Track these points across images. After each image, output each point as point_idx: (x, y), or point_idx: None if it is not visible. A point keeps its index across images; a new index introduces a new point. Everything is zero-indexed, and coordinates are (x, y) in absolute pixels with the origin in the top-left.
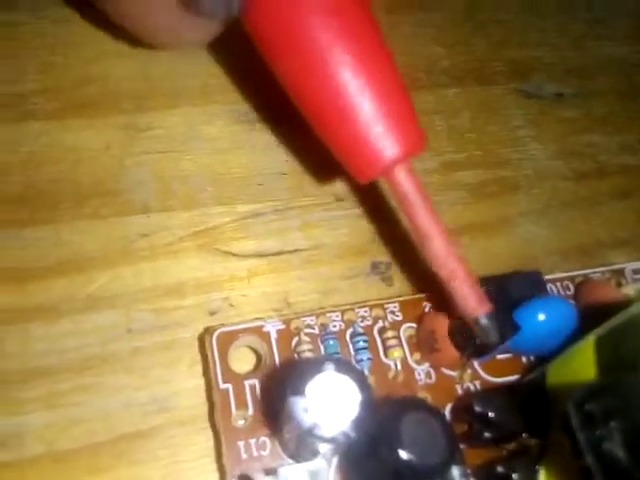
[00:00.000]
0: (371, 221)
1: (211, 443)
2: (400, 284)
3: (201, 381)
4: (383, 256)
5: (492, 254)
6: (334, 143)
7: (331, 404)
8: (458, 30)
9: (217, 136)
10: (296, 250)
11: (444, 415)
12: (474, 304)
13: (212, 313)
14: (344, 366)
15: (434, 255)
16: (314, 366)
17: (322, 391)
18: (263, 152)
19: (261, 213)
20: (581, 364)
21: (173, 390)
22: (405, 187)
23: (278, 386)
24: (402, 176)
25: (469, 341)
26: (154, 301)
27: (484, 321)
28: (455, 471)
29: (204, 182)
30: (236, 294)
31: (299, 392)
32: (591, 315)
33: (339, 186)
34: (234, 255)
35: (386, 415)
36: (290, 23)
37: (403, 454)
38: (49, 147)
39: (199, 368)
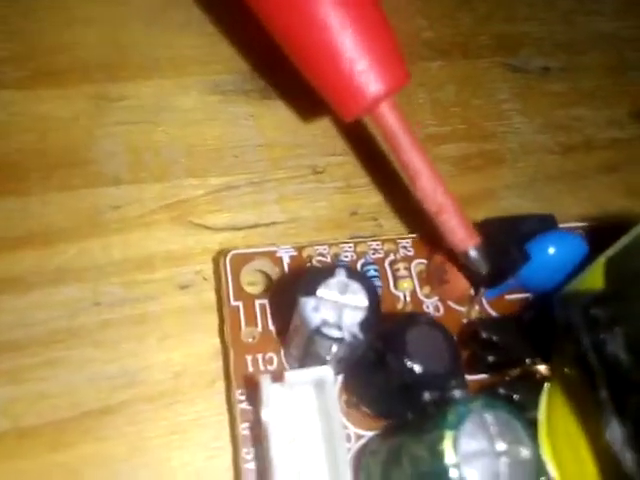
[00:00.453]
0: (350, 194)
1: (179, 419)
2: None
3: (170, 355)
4: (363, 230)
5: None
6: (319, 81)
7: (340, 305)
8: (443, 3)
9: (190, 107)
10: (273, 223)
11: (448, 330)
12: (462, 236)
13: (183, 287)
14: (355, 273)
15: (422, 190)
16: (326, 270)
17: (332, 293)
18: (238, 124)
19: (236, 186)
20: (590, 285)
21: (142, 364)
22: (390, 123)
23: (289, 297)
24: (387, 111)
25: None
26: (124, 274)
27: (473, 253)
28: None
29: (177, 154)
30: (209, 267)
31: (310, 292)
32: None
33: (317, 159)
34: (207, 228)
35: (393, 326)
36: None
37: (408, 362)
38: (17, 116)
39: (169, 342)
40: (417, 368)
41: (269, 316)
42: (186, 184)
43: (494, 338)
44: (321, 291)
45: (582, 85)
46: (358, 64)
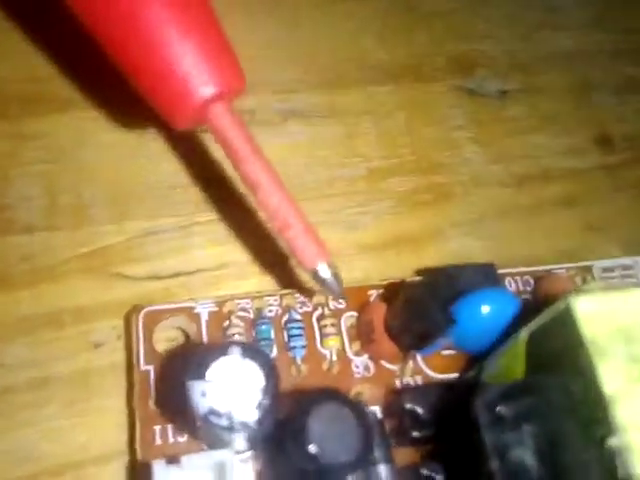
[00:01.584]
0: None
1: None
2: None
3: (75, 423)
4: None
5: (420, 270)
6: (144, 86)
7: (232, 390)
8: (396, 20)
9: (111, 143)
10: (198, 270)
11: (362, 407)
12: (311, 255)
13: (97, 345)
14: (252, 351)
15: (263, 204)
16: (218, 349)
17: (224, 376)
18: (160, 162)
19: (158, 231)
20: (511, 362)
21: (42, 435)
22: (224, 128)
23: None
24: (219, 115)
25: (402, 333)
26: (30, 332)
27: (323, 272)
28: (382, 470)
29: (96, 196)
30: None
31: (199, 375)
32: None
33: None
34: (125, 278)
35: (295, 407)
36: None
37: (310, 449)
38: None
39: (75, 408)
40: (319, 456)
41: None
42: (104, 230)
43: (418, 411)
44: (212, 373)
45: (540, 109)
46: (184, 63)
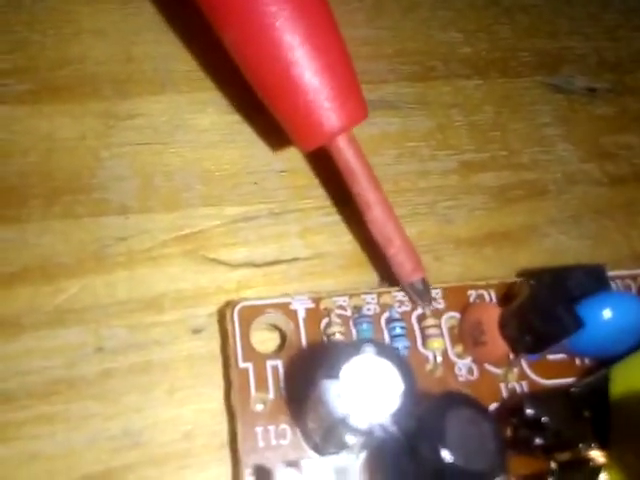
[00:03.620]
0: None
1: None
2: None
3: (180, 411)
4: None
5: (517, 267)
6: (281, 112)
7: (369, 392)
8: (480, 15)
9: (206, 127)
10: (294, 259)
11: (491, 414)
12: (409, 270)
13: (195, 331)
14: (386, 350)
15: (372, 222)
16: (352, 347)
17: (359, 376)
18: (259, 147)
19: (254, 217)
20: None
21: (148, 422)
22: (347, 156)
23: (306, 369)
24: (343, 146)
25: (522, 336)
26: (129, 316)
27: (418, 285)
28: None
29: (190, 179)
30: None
31: (333, 375)
32: None
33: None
34: (222, 264)
35: (429, 409)
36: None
37: (446, 454)
38: (19, 135)
39: (179, 396)
40: (456, 463)
41: (282, 380)
42: (200, 214)
43: (542, 418)
44: (346, 373)
45: (630, 109)
46: (317, 98)
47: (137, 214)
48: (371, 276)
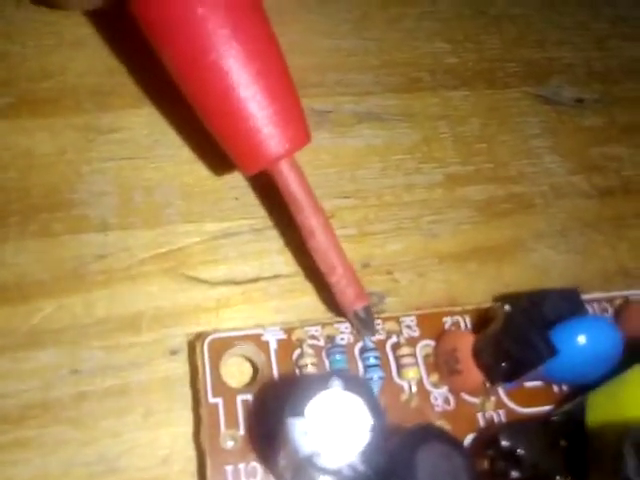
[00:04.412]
0: (365, 243)
1: None
2: (391, 314)
3: (157, 434)
4: (376, 285)
5: (501, 283)
6: (222, 136)
7: (337, 428)
8: (467, 25)
9: (186, 141)
10: (275, 276)
11: (466, 448)
12: (352, 297)
13: (172, 352)
14: (354, 383)
15: (314, 250)
16: (318, 382)
17: (326, 412)
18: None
19: (235, 233)
20: (630, 398)
21: (124, 447)
22: (288, 181)
23: (277, 403)
24: (285, 170)
25: (497, 363)
26: (107, 336)
27: (361, 314)
28: None
29: (171, 195)
30: (202, 329)
31: (298, 412)
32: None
33: (327, 203)
34: (202, 282)
35: (399, 445)
36: (183, 18)
37: None
38: None
39: (155, 418)
40: None
41: (252, 415)
42: (180, 230)
43: (518, 450)
44: (312, 409)
45: (618, 120)
46: (257, 123)
47: (116, 231)
48: None
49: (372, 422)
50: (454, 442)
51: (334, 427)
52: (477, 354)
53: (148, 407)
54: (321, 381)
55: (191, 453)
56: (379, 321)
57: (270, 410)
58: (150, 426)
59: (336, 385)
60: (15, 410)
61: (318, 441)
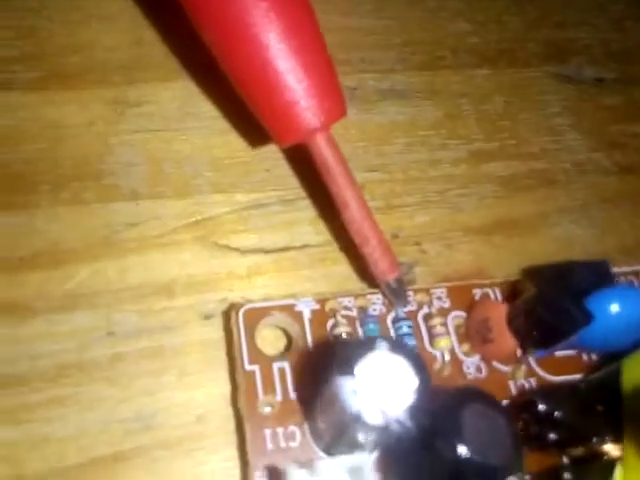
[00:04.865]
0: (393, 215)
1: (202, 469)
2: (422, 286)
3: (192, 394)
4: (405, 256)
5: (526, 256)
6: (261, 108)
7: (384, 388)
8: (489, 6)
9: (217, 114)
10: (305, 246)
11: (506, 410)
12: (384, 268)
13: (207, 317)
14: (399, 346)
15: (348, 221)
16: (365, 344)
17: (374, 372)
18: (266, 134)
19: (265, 204)
20: None
21: (159, 405)
22: (324, 154)
23: (313, 370)
24: (321, 143)
25: (531, 331)
26: (140, 301)
27: (394, 284)
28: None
29: (201, 166)
30: (234, 295)
31: (347, 371)
32: None
33: (357, 175)
34: (233, 250)
35: (444, 405)
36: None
37: (463, 450)
38: (27, 122)
39: (190, 380)
40: (474, 458)
41: (289, 381)
42: (210, 201)
43: (555, 413)
44: (360, 369)
45: (638, 98)
46: (294, 96)
47: (147, 200)
48: None
49: (417, 382)
50: (496, 403)
51: (381, 386)
52: (511, 322)
53: (182, 369)
54: (368, 343)
55: (227, 412)
56: (410, 292)
57: (307, 377)
58: (184, 386)
59: (382, 347)
60: (51, 369)
61: (366, 399)
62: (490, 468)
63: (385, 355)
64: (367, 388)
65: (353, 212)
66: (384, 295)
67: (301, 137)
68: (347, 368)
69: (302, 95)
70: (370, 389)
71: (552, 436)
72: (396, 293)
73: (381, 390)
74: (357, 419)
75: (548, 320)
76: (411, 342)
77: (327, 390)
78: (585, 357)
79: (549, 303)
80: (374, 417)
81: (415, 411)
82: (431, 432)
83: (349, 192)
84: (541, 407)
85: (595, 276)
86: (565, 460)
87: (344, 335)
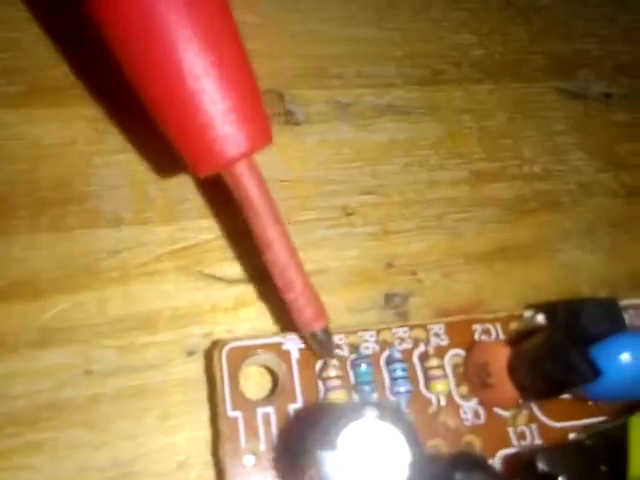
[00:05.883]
0: (388, 242)
1: None
2: (418, 322)
3: (173, 438)
4: (399, 286)
5: (531, 284)
6: (175, 134)
7: (371, 463)
8: (494, 16)
9: None
10: None
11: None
12: (310, 317)
13: (190, 353)
14: (390, 412)
15: (270, 263)
16: (351, 410)
17: (360, 441)
18: (260, 155)
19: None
20: None
21: (139, 451)
22: (245, 186)
23: (300, 419)
24: (243, 173)
25: (535, 382)
26: (120, 335)
27: (321, 335)
28: None
29: (186, 190)
30: (220, 329)
31: (329, 444)
32: None
33: (349, 199)
34: (219, 280)
35: (435, 475)
36: (143, 16)
37: None
38: (7, 141)
39: (171, 422)
40: None
41: (274, 430)
42: (196, 226)
43: (558, 478)
44: (344, 440)
45: None
46: (212, 120)
47: (131, 226)
48: (378, 292)
49: (410, 456)
50: (493, 472)
51: (368, 461)
52: (513, 371)
53: (164, 410)
54: (354, 410)
55: (208, 458)
56: (406, 328)
57: (294, 425)
58: (166, 429)
59: (370, 414)
60: (27, 411)
61: (351, 475)
62: None
63: (373, 424)
64: (351, 464)
65: (276, 253)
66: (308, 346)
67: (218, 167)
68: (328, 441)
69: (219, 118)
70: (354, 465)
71: None
72: (322, 345)
73: (368, 466)
74: None
75: (553, 374)
76: (406, 386)
77: (308, 460)
78: (590, 402)
79: (555, 354)
80: None
81: None
82: None
83: (272, 230)
84: (541, 468)
85: (604, 317)
86: None
87: (334, 380)
